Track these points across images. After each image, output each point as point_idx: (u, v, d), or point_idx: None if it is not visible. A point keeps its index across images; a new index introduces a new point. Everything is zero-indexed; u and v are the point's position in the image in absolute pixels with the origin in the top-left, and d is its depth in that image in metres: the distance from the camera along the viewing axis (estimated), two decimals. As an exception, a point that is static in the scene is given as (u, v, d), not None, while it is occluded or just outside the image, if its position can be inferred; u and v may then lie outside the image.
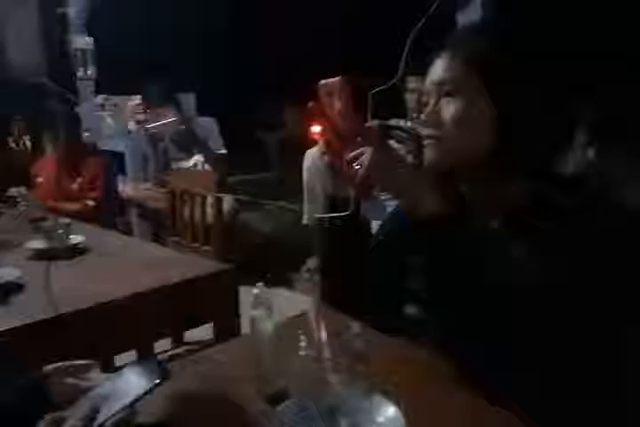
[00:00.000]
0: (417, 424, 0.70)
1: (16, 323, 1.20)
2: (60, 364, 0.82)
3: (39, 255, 1.62)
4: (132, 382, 0.77)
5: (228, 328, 1.51)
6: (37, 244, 1.67)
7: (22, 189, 2.27)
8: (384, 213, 1.16)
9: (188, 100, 3.41)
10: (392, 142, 0.92)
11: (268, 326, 0.82)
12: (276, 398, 0.78)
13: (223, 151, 3.15)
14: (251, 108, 4.02)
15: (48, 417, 0.68)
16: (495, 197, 0.91)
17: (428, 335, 0.90)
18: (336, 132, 0.85)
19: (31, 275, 1.39)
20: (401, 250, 0.95)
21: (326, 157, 0.90)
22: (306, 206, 2.62)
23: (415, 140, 0.97)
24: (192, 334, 1.99)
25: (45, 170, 2.86)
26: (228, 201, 2.89)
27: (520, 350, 0.76)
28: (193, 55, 4.14)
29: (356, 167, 0.81)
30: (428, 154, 0.93)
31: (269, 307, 0.83)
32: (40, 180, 2.83)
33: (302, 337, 0.71)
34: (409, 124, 2.39)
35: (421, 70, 0.99)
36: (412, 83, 2.31)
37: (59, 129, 2.70)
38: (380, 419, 0.71)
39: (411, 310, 1.00)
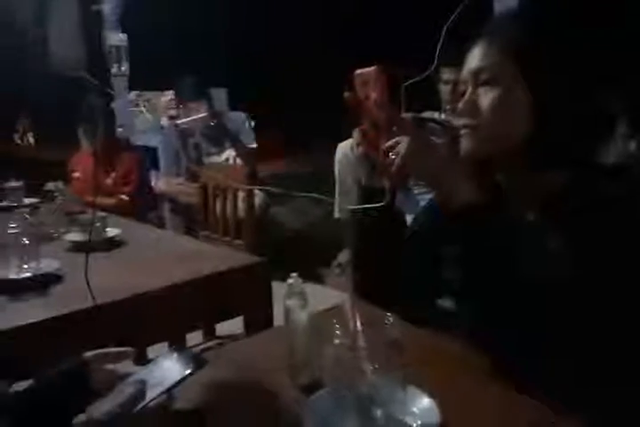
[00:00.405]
0: (450, 416, 0.69)
1: (54, 313, 1.23)
2: (98, 351, 0.84)
3: (77, 248, 1.66)
4: (168, 369, 0.79)
5: (259, 321, 1.51)
6: (75, 236, 1.71)
7: (59, 184, 2.33)
8: (418, 206, 1.15)
9: (220, 95, 3.44)
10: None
11: (301, 316, 0.82)
12: (309, 388, 0.78)
13: (254, 145, 3.17)
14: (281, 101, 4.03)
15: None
16: (532, 186, 0.89)
17: (460, 327, 0.89)
18: (372, 121, 0.85)
19: (69, 266, 1.43)
20: (435, 241, 0.94)
21: (361, 148, 0.90)
22: (337, 199, 2.62)
23: (448, 132, 0.96)
24: (223, 328, 2.01)
25: (81, 165, 2.92)
26: (259, 195, 2.90)
27: (554, 341, 0.75)
28: (224, 49, 4.18)
29: (392, 157, 0.81)
30: (465, 143, 0.92)
31: (303, 297, 0.83)
32: (76, 174, 2.90)
33: (336, 326, 0.71)
34: (442, 116, 2.36)
35: (456, 61, 0.98)
36: (446, 74, 2.28)
37: (95, 124, 2.75)
38: (415, 409, 0.71)
39: (444, 301, 0.99)
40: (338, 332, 0.70)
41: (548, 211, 0.85)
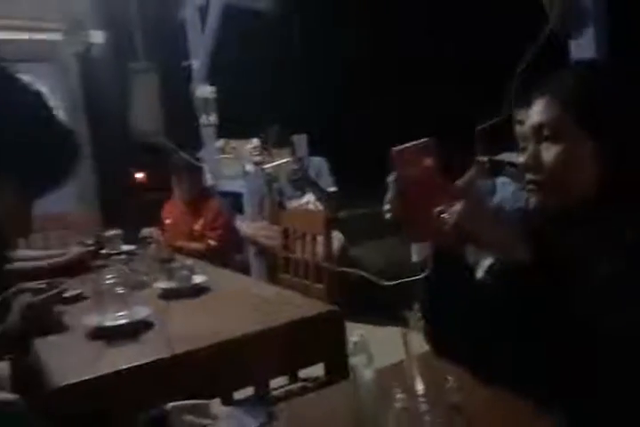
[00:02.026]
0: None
1: (146, 359, 1.32)
2: (180, 402, 0.90)
3: (166, 294, 1.78)
4: (242, 421, 0.83)
5: (338, 368, 1.53)
6: (164, 284, 1.83)
7: (153, 230, 2.51)
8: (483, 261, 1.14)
9: (301, 141, 3.58)
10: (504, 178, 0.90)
11: (366, 374, 0.84)
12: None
13: (333, 189, 3.25)
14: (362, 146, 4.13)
15: None
16: (606, 240, 0.87)
17: (533, 389, 0.86)
18: (418, 193, 0.84)
19: (159, 313, 1.54)
20: (511, 297, 0.93)
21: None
22: (413, 245, 2.62)
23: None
24: (307, 370, 2.04)
25: (172, 212, 3.13)
26: (338, 239, 2.96)
27: None
28: (305, 97, 4.37)
29: (446, 217, 0.82)
30: (532, 198, 0.92)
31: (369, 354, 0.85)
32: (168, 221, 3.10)
33: (397, 389, 0.72)
34: (521, 158, 2.31)
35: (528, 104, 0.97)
36: (521, 115, 2.25)
37: (183, 175, 2.95)
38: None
39: (519, 359, 0.96)
40: (399, 395, 0.71)
41: (622, 263, 0.82)
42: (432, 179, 0.83)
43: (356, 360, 0.85)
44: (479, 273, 1.08)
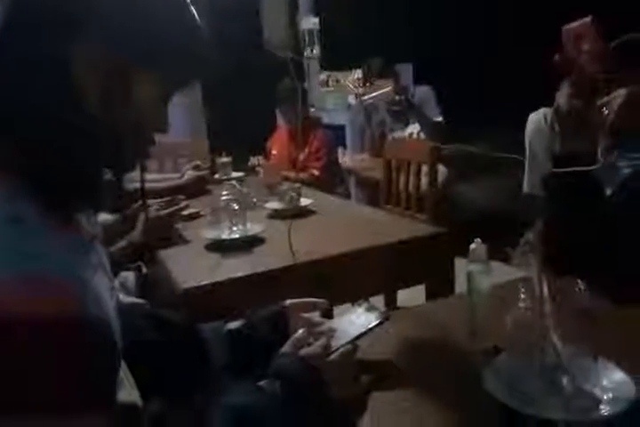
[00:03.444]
0: None
1: (260, 269, 1.39)
2: (296, 300, 0.95)
3: (276, 215, 1.85)
4: (356, 320, 0.86)
5: (441, 291, 1.54)
6: (274, 205, 1.90)
7: (261, 159, 2.59)
8: (617, 179, 1.06)
9: (406, 70, 3.44)
10: None
11: (483, 281, 0.83)
12: (489, 354, 0.79)
13: (439, 119, 3.13)
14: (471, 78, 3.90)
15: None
16: None
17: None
18: (585, 78, 0.81)
19: (270, 230, 1.60)
20: None
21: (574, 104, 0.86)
22: (527, 173, 2.49)
23: None
24: (404, 301, 2.08)
25: (278, 142, 3.19)
26: (442, 171, 2.88)
27: None
28: (412, 26, 4.16)
29: (605, 112, 0.77)
30: None
31: (486, 262, 0.83)
32: (274, 151, 3.17)
33: (522, 291, 0.70)
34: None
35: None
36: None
37: (293, 105, 2.93)
38: (605, 382, 0.68)
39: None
40: (523, 296, 0.70)
41: None
42: (603, 57, 0.78)
43: (472, 267, 0.84)
44: (609, 191, 1.01)
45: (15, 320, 0.47)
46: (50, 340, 0.48)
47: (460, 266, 1.02)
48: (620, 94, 0.77)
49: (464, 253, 0.90)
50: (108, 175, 0.67)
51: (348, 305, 1.54)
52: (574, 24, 0.81)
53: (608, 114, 0.77)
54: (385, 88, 3.19)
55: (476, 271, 0.83)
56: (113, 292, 0.67)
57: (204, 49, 0.69)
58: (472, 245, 0.85)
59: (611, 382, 0.68)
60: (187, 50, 0.66)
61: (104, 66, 0.60)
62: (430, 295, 1.58)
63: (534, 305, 0.69)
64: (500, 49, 3.49)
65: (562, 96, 0.86)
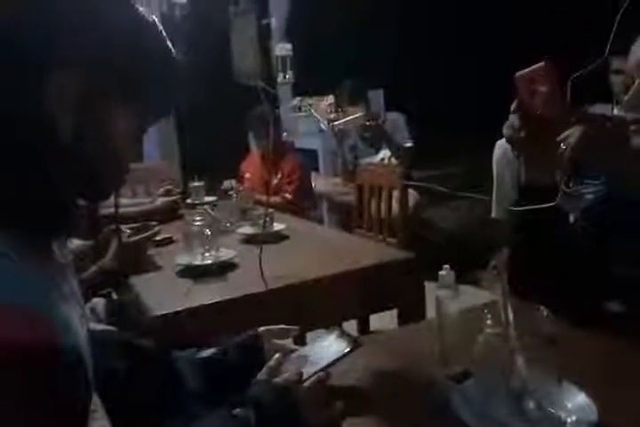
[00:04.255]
0: (607, 416, 0.67)
1: (231, 295, 1.39)
2: (269, 327, 0.96)
3: (248, 239, 1.85)
4: (327, 347, 0.87)
5: (412, 315, 1.56)
6: (247, 230, 1.91)
7: (233, 182, 2.59)
8: (580, 204, 1.11)
9: (377, 96, 3.51)
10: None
11: (452, 307, 0.85)
12: (458, 378, 0.81)
13: (409, 144, 3.20)
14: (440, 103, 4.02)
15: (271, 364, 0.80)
16: None
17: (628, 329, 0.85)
18: (539, 120, 0.85)
19: (243, 256, 1.61)
20: (611, 234, 0.91)
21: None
22: (495, 199, 2.56)
23: (618, 126, 0.92)
24: (376, 324, 2.09)
25: (251, 166, 3.21)
26: (413, 195, 2.93)
27: None
28: (384, 52, 4.28)
29: (563, 147, 0.81)
30: (636, 139, 0.88)
31: (454, 288, 0.86)
32: (247, 175, 3.19)
33: (488, 317, 0.73)
34: (615, 109, 2.18)
35: (626, 51, 0.93)
36: (616, 63, 2.12)
37: (265, 129, 2.96)
38: (569, 405, 0.70)
39: (612, 303, 0.95)
40: (489, 322, 0.72)
41: None
42: (555, 101, 0.82)
43: (441, 293, 0.86)
44: (572, 218, 1.06)
45: None
46: (20, 371, 0.48)
47: (431, 290, 1.04)
48: (577, 130, 0.81)
49: (435, 277, 0.93)
50: (82, 202, 0.67)
51: (321, 330, 1.55)
52: (527, 70, 0.85)
53: (566, 148, 0.81)
54: (356, 113, 3.25)
55: (444, 297, 0.86)
56: (83, 320, 0.67)
57: (179, 80, 0.70)
58: (441, 272, 0.87)
59: (574, 404, 0.70)
60: (163, 80, 0.67)
61: (79, 95, 0.60)
62: (402, 319, 1.60)
63: (500, 329, 0.71)
64: (469, 75, 3.62)
65: (508, 128, 0.89)
